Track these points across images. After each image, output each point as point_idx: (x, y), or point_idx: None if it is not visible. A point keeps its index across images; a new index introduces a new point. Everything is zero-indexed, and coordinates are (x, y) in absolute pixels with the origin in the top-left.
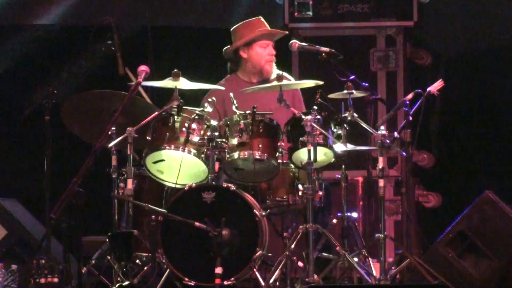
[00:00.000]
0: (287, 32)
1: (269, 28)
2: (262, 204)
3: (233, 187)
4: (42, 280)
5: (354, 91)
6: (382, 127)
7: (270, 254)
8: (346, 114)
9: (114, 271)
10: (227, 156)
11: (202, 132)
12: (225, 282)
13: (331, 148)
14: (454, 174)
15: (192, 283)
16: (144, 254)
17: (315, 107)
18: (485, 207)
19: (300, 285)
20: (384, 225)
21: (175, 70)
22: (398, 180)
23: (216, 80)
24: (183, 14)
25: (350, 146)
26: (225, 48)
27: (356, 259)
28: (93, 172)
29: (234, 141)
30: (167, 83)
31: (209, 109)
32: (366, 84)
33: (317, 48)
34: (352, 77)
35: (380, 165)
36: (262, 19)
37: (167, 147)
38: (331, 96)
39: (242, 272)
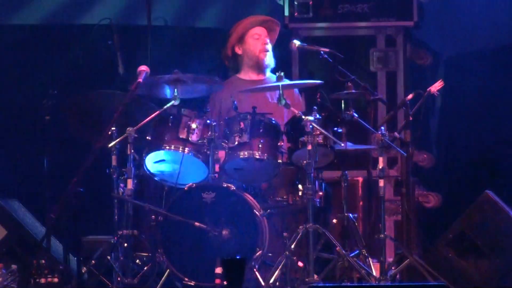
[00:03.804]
0: (276, 20)
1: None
2: (262, 204)
3: (233, 187)
4: (42, 280)
5: (354, 91)
6: (383, 127)
7: (270, 254)
8: (346, 114)
9: (114, 271)
10: (227, 156)
11: (202, 132)
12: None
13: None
14: (454, 174)
15: (192, 283)
16: (144, 254)
17: (315, 107)
18: (485, 207)
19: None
20: (384, 225)
21: (175, 70)
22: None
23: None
24: (182, 14)
25: (350, 146)
26: (222, 52)
27: (356, 259)
28: (93, 172)
29: (234, 141)
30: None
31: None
32: (366, 84)
33: (317, 48)
34: (352, 77)
35: (380, 165)
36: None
37: (167, 147)
38: (331, 96)
39: None
